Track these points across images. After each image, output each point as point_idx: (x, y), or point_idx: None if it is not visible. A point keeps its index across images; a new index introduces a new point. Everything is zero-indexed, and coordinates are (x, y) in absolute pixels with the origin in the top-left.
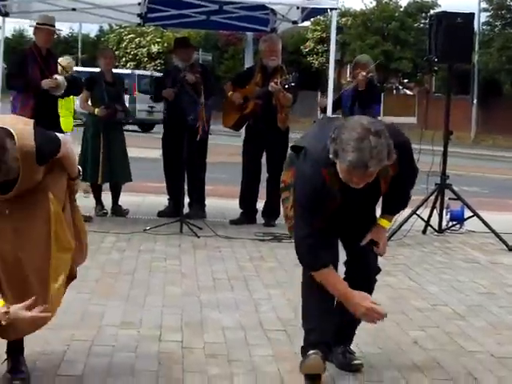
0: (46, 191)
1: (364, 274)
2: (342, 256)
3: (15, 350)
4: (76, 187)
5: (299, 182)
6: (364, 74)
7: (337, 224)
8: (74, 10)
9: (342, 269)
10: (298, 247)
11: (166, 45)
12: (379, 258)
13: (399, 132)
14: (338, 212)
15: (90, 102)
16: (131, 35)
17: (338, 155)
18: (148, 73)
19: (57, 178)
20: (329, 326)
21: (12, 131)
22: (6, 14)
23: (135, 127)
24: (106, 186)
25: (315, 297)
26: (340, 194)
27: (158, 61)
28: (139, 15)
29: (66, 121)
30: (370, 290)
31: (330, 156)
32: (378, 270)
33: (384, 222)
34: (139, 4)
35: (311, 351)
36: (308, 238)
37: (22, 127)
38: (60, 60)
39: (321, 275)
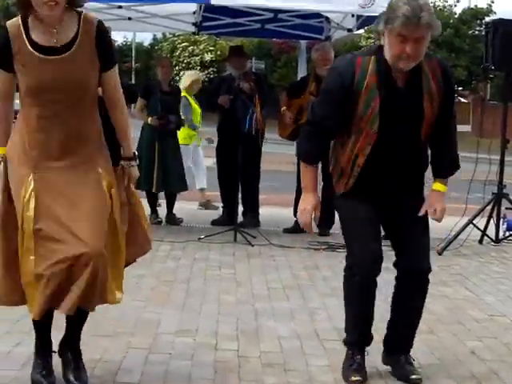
0: (96, 167)
1: (416, 275)
2: (387, 259)
3: (75, 352)
4: (133, 172)
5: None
6: None
7: (381, 158)
8: (129, 19)
9: (387, 276)
10: (301, 137)
11: (218, 53)
12: (434, 268)
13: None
14: (380, 135)
15: (145, 111)
16: (184, 43)
17: (389, 19)
18: None
19: (105, 159)
20: (366, 330)
21: None
22: None
23: None
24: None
25: (354, 305)
26: (377, 90)
27: (211, 69)
28: (194, 24)
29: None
30: (424, 292)
31: (380, 28)
32: (430, 270)
33: (439, 186)
34: (194, 13)
35: (353, 378)
36: (316, 126)
37: None
38: (189, 74)
39: (304, 166)
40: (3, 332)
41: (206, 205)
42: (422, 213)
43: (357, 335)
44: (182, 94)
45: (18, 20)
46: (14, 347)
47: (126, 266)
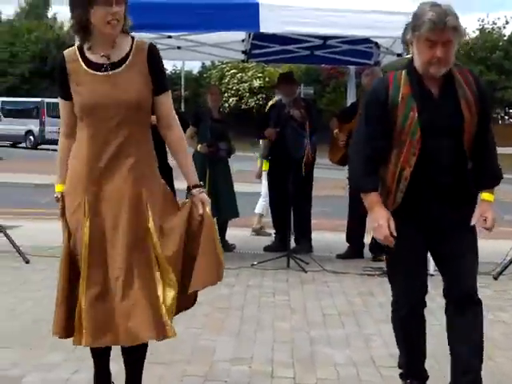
0: (142, 193)
1: (461, 300)
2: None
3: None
4: (203, 198)
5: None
6: None
7: (426, 169)
8: (179, 48)
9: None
10: (352, 165)
11: (267, 79)
12: (490, 293)
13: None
14: (423, 148)
15: (195, 139)
16: (233, 71)
17: (416, 26)
18: (56, 100)
19: (152, 184)
20: (417, 361)
21: None
22: None
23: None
24: None
25: (403, 339)
26: (413, 100)
27: (260, 95)
28: (243, 52)
29: None
30: (476, 318)
31: (408, 37)
32: (474, 290)
33: (486, 196)
34: (243, 41)
35: None
36: (365, 155)
37: None
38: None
39: (366, 197)
40: (61, 359)
41: (259, 231)
42: (473, 222)
43: (411, 370)
44: None
45: (74, 47)
46: (72, 374)
47: (193, 296)
